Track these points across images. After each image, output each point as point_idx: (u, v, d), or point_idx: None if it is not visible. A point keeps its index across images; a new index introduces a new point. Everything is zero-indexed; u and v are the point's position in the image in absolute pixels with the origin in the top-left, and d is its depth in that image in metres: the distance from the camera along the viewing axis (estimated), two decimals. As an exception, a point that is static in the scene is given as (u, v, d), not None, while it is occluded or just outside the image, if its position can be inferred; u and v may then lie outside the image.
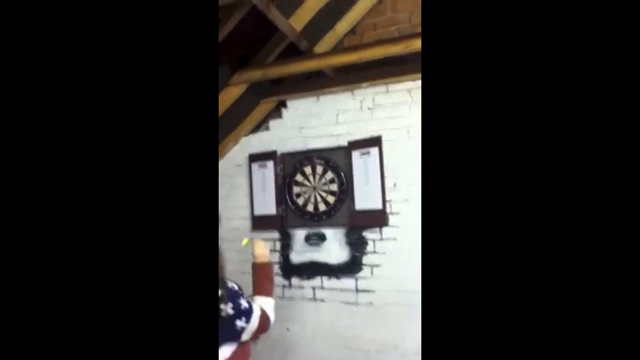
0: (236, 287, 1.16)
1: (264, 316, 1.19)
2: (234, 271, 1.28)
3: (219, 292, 1.09)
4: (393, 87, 2.06)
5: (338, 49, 2.18)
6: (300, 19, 1.92)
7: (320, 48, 2.14)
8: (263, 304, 1.22)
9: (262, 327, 1.19)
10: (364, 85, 2.10)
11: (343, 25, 2.17)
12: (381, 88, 2.09)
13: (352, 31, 2.23)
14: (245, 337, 1.16)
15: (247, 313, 1.14)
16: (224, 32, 1.64)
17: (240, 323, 1.12)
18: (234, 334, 1.12)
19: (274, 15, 1.52)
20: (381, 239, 2.08)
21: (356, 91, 2.15)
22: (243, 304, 1.15)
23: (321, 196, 2.23)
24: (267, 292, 1.27)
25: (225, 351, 1.11)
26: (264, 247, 1.34)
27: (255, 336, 1.20)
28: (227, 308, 1.09)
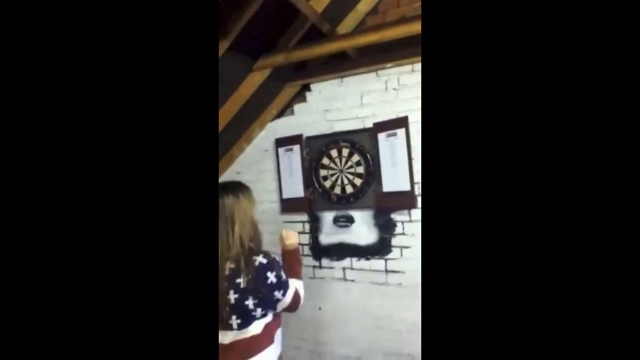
0: (278, 258, 1.24)
1: (297, 295, 1.28)
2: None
3: (265, 260, 1.17)
4: (418, 66, 2.00)
5: (360, 29, 2.13)
6: (321, 1, 1.89)
7: (342, 29, 2.10)
8: (296, 284, 1.30)
9: (295, 304, 1.27)
10: (389, 65, 2.06)
11: (365, 4, 2.12)
12: (406, 68, 2.04)
13: (374, 10, 2.17)
14: (279, 309, 1.24)
15: (285, 287, 1.22)
16: (245, 18, 1.64)
17: (277, 294, 1.20)
18: (272, 304, 1.21)
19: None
20: (410, 221, 2.08)
21: (380, 72, 2.12)
22: (283, 276, 1.22)
23: (348, 179, 2.23)
24: (297, 274, 1.35)
25: (267, 318, 1.20)
26: (295, 237, 1.39)
27: (289, 310, 1.28)
28: (272, 277, 1.17)
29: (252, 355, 1.16)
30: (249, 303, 1.15)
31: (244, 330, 1.16)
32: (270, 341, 1.21)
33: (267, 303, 1.18)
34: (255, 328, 1.17)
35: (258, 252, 1.20)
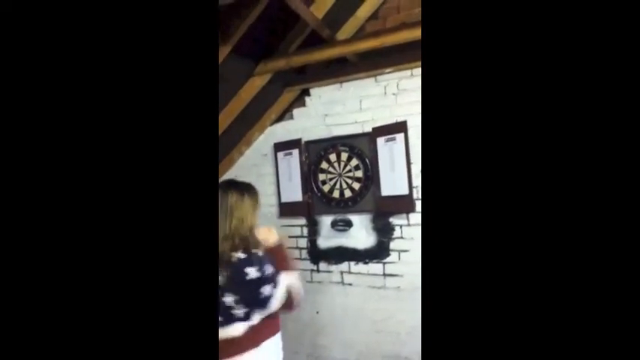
0: (261, 254, 1.18)
1: (290, 289, 1.23)
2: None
3: (244, 255, 1.13)
4: (418, 71, 2.03)
5: (360, 35, 2.16)
6: (321, 7, 1.91)
7: (342, 34, 2.12)
8: (288, 278, 1.25)
9: (290, 300, 1.23)
10: (388, 70, 2.08)
11: (364, 10, 2.14)
12: (405, 73, 2.06)
13: (374, 15, 2.19)
14: (274, 305, 1.18)
15: (273, 280, 1.17)
16: (247, 23, 1.66)
17: (266, 290, 1.14)
18: (262, 302, 1.15)
19: (296, 4, 1.53)
20: (409, 225, 2.09)
21: (379, 77, 2.14)
22: (269, 270, 1.16)
23: (347, 183, 2.25)
24: (287, 267, 1.28)
25: (251, 321, 1.15)
26: (268, 232, 1.32)
27: (287, 307, 1.24)
28: (252, 272, 1.12)
29: (229, 357, 1.11)
30: (229, 300, 1.10)
31: (223, 329, 1.11)
32: (253, 345, 1.16)
33: (251, 300, 1.13)
34: (235, 329, 1.13)
35: (238, 249, 1.15)
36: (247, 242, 1.17)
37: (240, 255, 1.13)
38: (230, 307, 1.11)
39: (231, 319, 1.12)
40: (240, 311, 1.12)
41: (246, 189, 1.25)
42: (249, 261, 1.13)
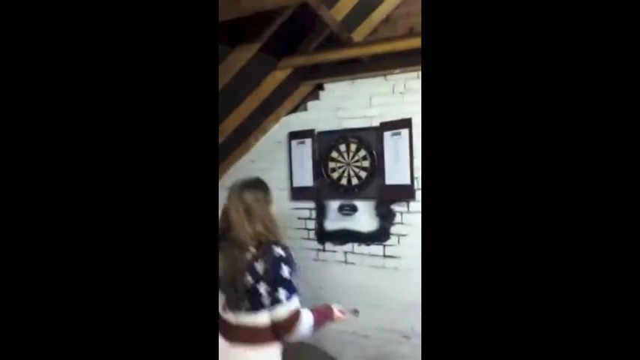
0: (295, 258, 1.31)
1: (295, 316, 1.28)
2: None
3: (284, 253, 1.27)
4: (423, 73, 2.24)
5: (374, 38, 2.36)
6: (341, 10, 2.11)
7: (356, 35, 2.33)
8: (307, 314, 1.34)
9: (288, 324, 1.27)
10: (397, 70, 2.29)
11: (378, 14, 2.35)
12: (412, 74, 2.27)
13: (386, 19, 2.40)
14: (274, 313, 1.26)
15: (291, 289, 1.28)
16: (277, 24, 1.86)
17: (281, 293, 1.25)
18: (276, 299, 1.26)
19: (323, 10, 1.73)
20: (409, 212, 2.32)
21: (389, 76, 2.35)
22: (294, 283, 1.29)
23: (354, 172, 2.47)
24: (317, 319, 1.39)
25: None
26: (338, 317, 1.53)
27: (279, 329, 1.28)
28: (286, 270, 1.27)
29: (255, 344, 1.25)
30: (262, 289, 1.24)
31: (252, 316, 1.25)
32: (276, 337, 1.28)
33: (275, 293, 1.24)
34: (262, 318, 1.24)
35: (278, 243, 1.29)
36: (276, 233, 1.31)
37: (281, 252, 1.26)
38: (261, 295, 1.24)
39: (260, 306, 1.24)
40: (269, 300, 1.24)
41: (262, 187, 1.36)
42: (286, 259, 1.27)
